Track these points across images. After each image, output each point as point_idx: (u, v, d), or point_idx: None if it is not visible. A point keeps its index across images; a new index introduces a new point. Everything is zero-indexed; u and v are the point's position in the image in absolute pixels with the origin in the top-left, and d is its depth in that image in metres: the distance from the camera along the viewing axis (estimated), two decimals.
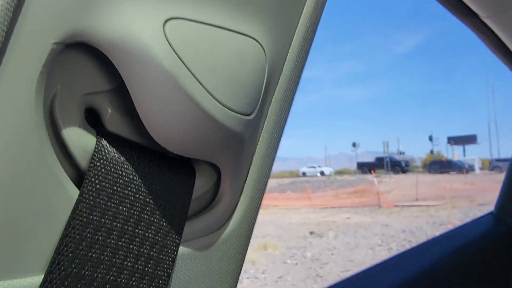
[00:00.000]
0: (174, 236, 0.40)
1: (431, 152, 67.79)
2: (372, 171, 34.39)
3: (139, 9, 0.34)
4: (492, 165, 45.25)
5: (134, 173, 0.38)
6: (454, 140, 66.94)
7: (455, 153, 58.51)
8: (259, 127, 0.48)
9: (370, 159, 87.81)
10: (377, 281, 1.15)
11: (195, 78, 0.36)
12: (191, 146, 0.39)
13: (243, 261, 0.51)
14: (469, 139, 66.36)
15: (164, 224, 0.40)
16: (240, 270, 0.50)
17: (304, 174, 52.64)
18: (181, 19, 0.36)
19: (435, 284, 1.21)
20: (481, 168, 47.89)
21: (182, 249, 0.43)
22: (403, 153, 68.37)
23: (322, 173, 51.47)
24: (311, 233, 11.15)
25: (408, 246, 8.60)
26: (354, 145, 67.10)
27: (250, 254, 8.29)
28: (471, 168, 44.25)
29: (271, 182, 37.66)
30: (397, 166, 48.71)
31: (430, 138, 70.18)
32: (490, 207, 1.64)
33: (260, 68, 0.43)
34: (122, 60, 0.34)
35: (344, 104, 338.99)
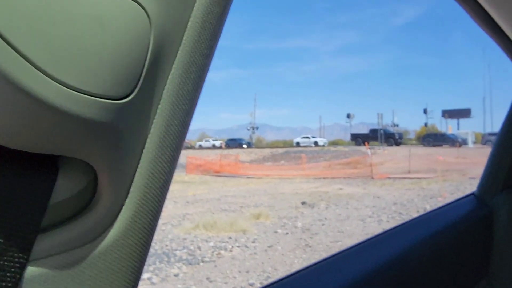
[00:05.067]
0: (15, 254, 0.32)
1: (425, 125, 67.92)
2: (366, 143, 34.50)
3: None
4: (485, 139, 45.51)
5: None
6: (448, 114, 67.13)
7: (448, 127, 58.70)
8: (148, 112, 0.38)
9: (365, 130, 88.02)
10: (354, 264, 1.10)
11: (11, 47, 0.27)
12: (18, 138, 0.30)
13: (137, 276, 0.41)
14: (464, 113, 66.60)
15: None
16: (133, 287, 0.41)
17: (298, 144, 52.63)
18: None
19: (414, 266, 1.17)
20: (474, 142, 48.05)
21: (33, 269, 0.34)
22: (397, 125, 68.48)
23: (316, 143, 51.51)
24: (303, 203, 11.22)
25: (398, 219, 8.67)
26: (348, 116, 67.15)
27: (242, 223, 8.34)
28: (464, 142, 44.41)
29: (265, 152, 37.70)
30: (391, 138, 48.77)
31: (425, 111, 70.24)
32: None
33: (139, 37, 0.34)
34: None
35: (340, 75, 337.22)
